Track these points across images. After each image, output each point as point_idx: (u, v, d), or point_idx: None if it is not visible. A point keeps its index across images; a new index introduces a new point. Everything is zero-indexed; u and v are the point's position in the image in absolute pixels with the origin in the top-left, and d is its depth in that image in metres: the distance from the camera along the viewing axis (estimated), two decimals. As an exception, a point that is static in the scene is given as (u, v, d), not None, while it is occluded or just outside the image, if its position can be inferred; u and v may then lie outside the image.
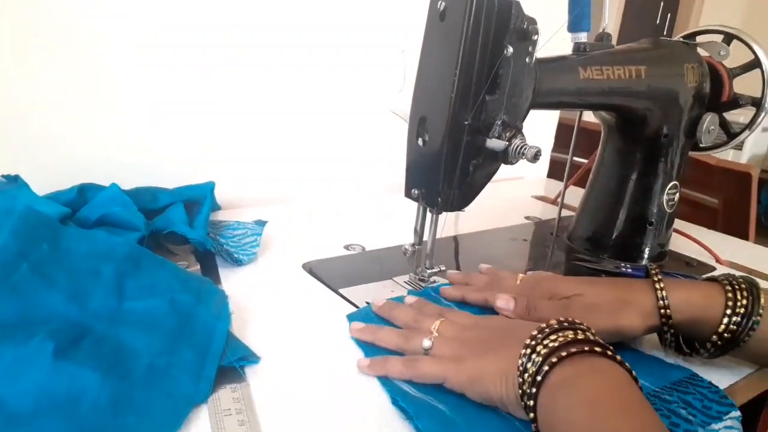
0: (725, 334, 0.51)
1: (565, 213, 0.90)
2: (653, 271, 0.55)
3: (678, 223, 0.83)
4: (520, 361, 0.42)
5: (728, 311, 0.51)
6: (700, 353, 0.54)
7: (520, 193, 1.15)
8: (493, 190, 1.07)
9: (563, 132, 1.32)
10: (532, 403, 0.40)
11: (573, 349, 0.40)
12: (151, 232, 0.65)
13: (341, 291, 0.64)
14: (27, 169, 0.64)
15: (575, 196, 0.88)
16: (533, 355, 0.41)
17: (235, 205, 0.88)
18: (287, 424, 0.43)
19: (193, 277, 0.56)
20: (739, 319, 0.50)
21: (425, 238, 0.65)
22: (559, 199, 0.88)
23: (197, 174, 0.82)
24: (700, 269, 0.80)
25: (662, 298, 0.52)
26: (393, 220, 0.87)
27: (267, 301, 0.60)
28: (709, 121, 0.75)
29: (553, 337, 0.41)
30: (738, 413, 0.48)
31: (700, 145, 0.78)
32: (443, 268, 0.66)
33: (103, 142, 0.76)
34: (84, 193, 0.65)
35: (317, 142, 0.95)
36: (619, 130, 0.78)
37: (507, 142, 0.56)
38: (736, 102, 0.77)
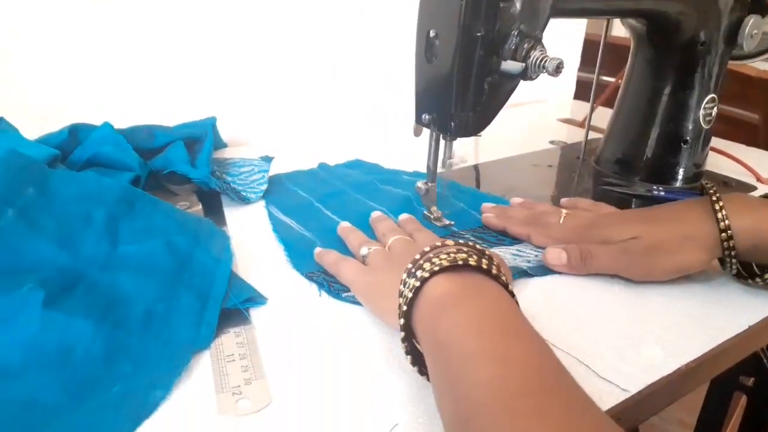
0: None
1: (593, 135, 0.84)
2: (711, 191, 0.49)
3: (715, 141, 0.77)
4: (404, 275, 0.38)
5: None
6: (764, 278, 0.49)
7: (543, 116, 1.08)
8: (515, 114, 1.01)
9: (590, 49, 1.23)
10: (405, 309, 0.36)
11: (458, 264, 0.37)
12: (151, 173, 0.61)
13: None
14: (15, 114, 0.61)
15: (604, 118, 0.81)
16: (418, 271, 0.37)
17: (241, 143, 0.84)
18: (292, 369, 0.40)
19: (192, 218, 0.52)
20: None
21: (440, 168, 0.60)
22: (586, 121, 0.82)
23: (200, 111, 0.77)
24: (740, 190, 0.74)
25: (725, 229, 0.47)
26: (410, 145, 0.82)
27: (274, 241, 0.57)
28: (752, 24, 0.68)
29: (443, 255, 0.37)
30: None
31: (743, 53, 0.70)
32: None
33: (94, 79, 0.72)
34: (76, 134, 0.61)
35: (327, 73, 0.90)
36: (650, 39, 0.71)
37: (523, 64, 0.51)
38: (784, 1, 0.69)
